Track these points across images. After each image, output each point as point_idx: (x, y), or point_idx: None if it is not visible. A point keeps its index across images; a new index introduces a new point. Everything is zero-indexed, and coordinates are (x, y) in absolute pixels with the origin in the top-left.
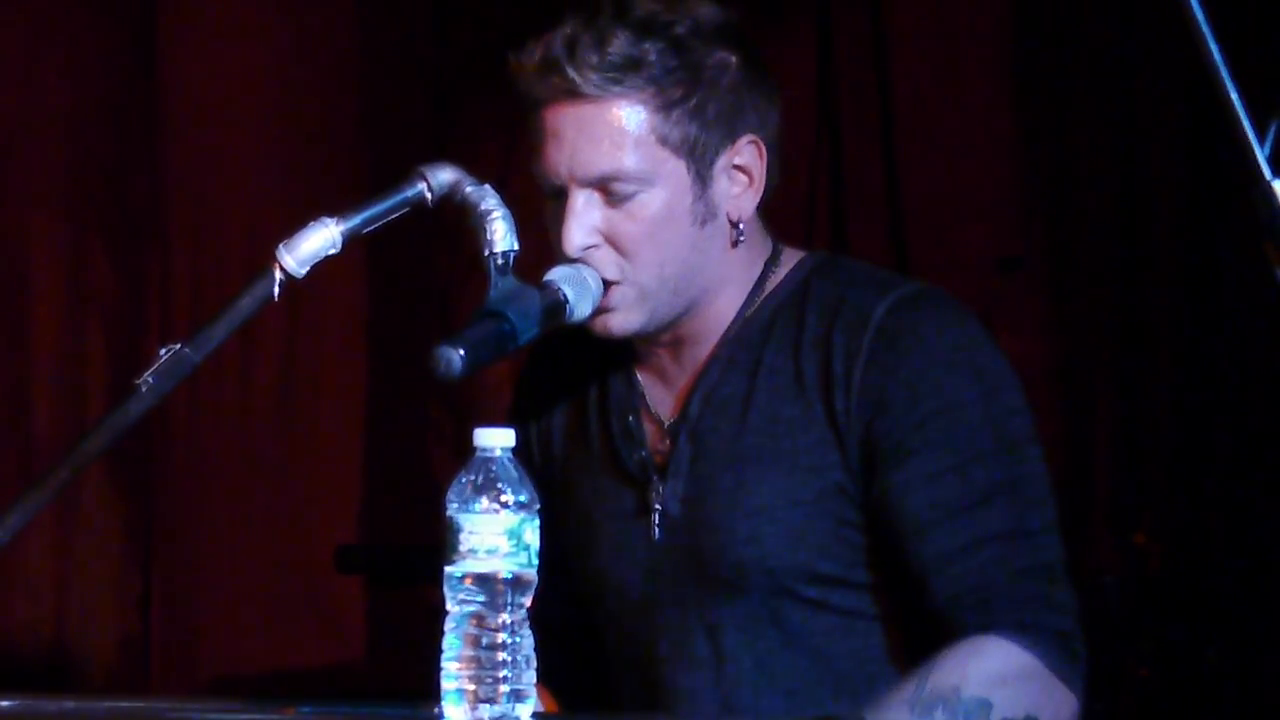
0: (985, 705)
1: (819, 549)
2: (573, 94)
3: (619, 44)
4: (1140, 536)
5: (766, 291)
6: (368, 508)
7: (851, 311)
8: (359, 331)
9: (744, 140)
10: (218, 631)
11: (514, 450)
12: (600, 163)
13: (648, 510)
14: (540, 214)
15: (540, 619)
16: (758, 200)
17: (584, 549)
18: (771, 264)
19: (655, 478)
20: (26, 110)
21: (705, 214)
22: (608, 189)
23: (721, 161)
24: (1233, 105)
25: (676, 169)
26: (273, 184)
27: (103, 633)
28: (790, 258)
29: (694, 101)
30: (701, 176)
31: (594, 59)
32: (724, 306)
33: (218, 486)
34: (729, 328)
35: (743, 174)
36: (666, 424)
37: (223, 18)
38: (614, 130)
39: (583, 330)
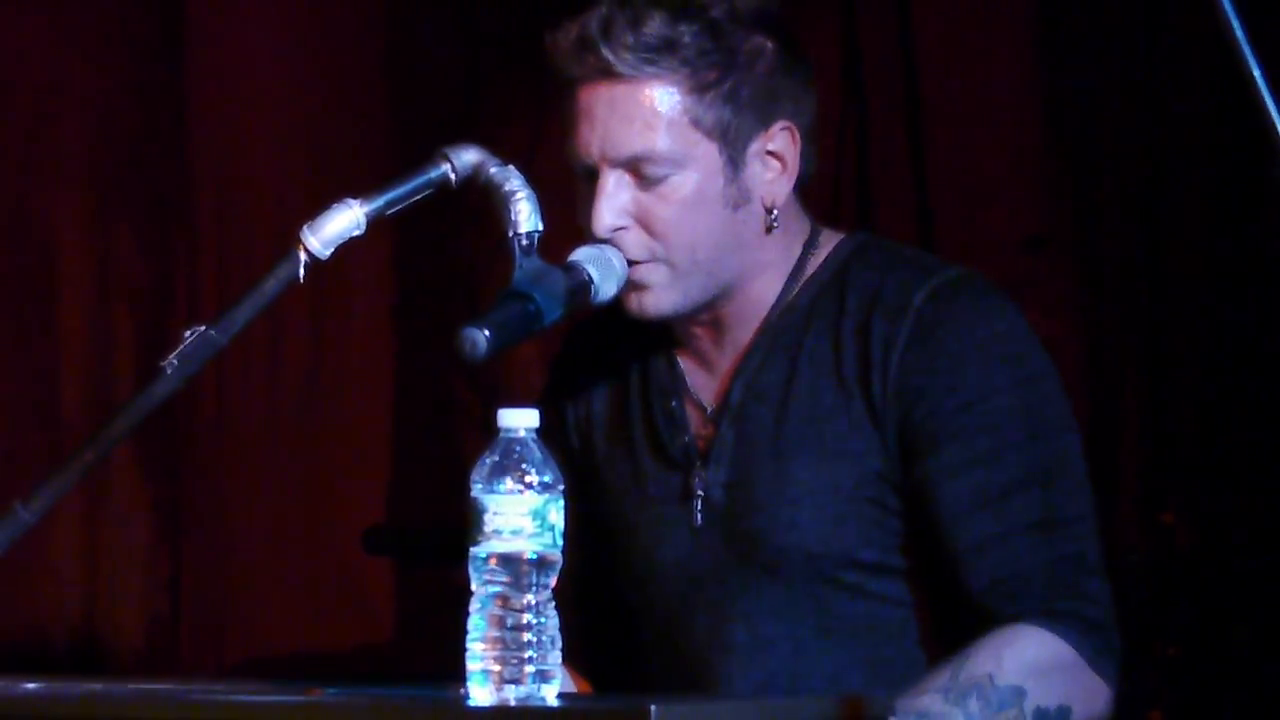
0: (1019, 693)
1: (858, 535)
2: (607, 73)
3: (654, 25)
4: (1168, 515)
5: (806, 275)
6: (396, 489)
7: (891, 297)
8: (387, 313)
9: (778, 126)
10: (246, 613)
11: (547, 431)
12: (632, 143)
13: (690, 495)
14: (565, 196)
15: (575, 602)
16: (791, 186)
17: (625, 531)
18: (810, 246)
19: (698, 463)
20: (53, 93)
21: (738, 198)
22: (639, 170)
23: (755, 146)
24: (1257, 83)
25: (709, 152)
26: (300, 167)
27: (131, 615)
28: (829, 240)
29: (728, 85)
30: (734, 161)
31: (629, 39)
32: (763, 290)
33: (246, 468)
34: (770, 312)
35: (776, 160)
36: (709, 410)
37: (250, 7)
38: (647, 110)
39: (621, 314)
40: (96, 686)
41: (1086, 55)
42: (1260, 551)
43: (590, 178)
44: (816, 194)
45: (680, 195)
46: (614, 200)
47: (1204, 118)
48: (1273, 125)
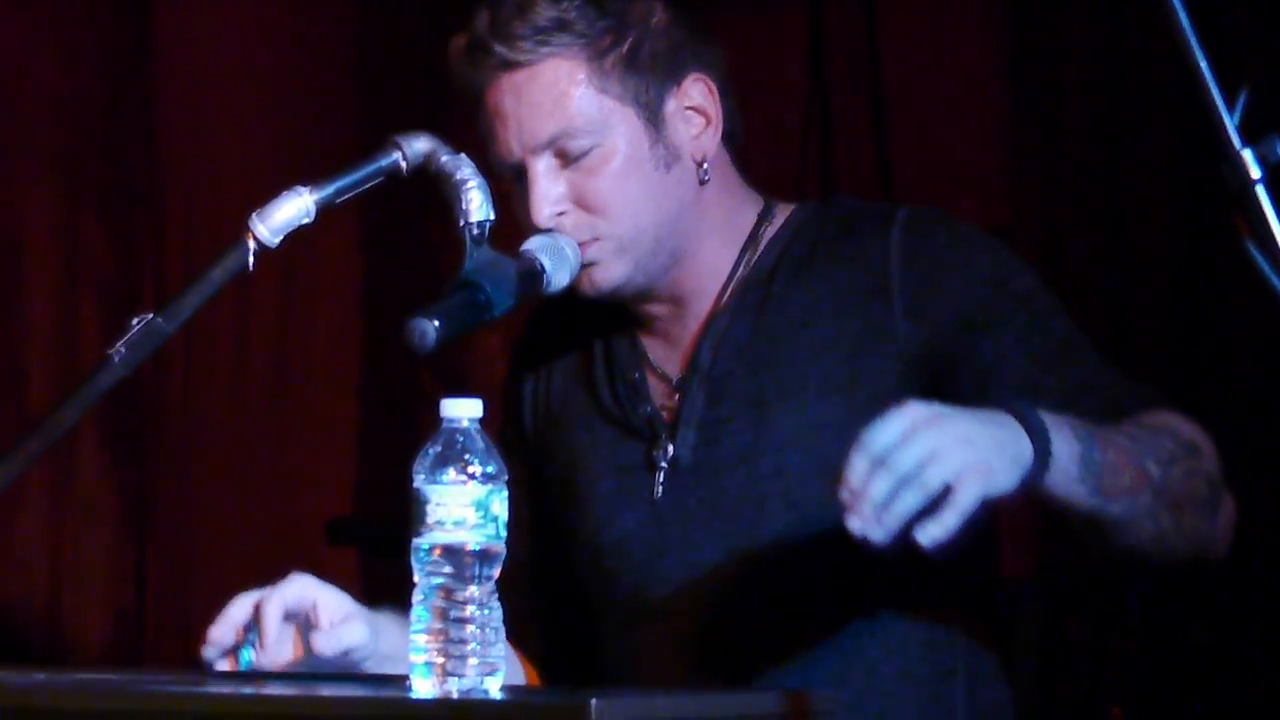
0: (1195, 451)
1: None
2: (506, 65)
3: (540, 8)
4: None
5: (765, 240)
6: (361, 480)
7: (869, 227)
8: (353, 303)
9: (689, 80)
10: (211, 603)
11: (507, 420)
12: (546, 124)
13: (653, 467)
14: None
15: (531, 586)
16: (717, 138)
17: (583, 506)
18: (765, 217)
19: (663, 435)
20: (21, 83)
21: (668, 157)
22: (563, 151)
23: (671, 105)
24: (1203, 74)
25: (625, 117)
26: (267, 158)
27: (97, 605)
28: (784, 210)
29: (626, 47)
30: (653, 121)
31: (519, 28)
32: (717, 259)
33: (212, 459)
34: (728, 281)
35: (697, 114)
36: (675, 380)
37: None
38: (553, 90)
39: (580, 300)
40: (64, 678)
41: (1052, 47)
42: None
43: (519, 176)
44: (781, 186)
45: (609, 166)
46: (547, 188)
47: (1171, 109)
48: (1217, 114)
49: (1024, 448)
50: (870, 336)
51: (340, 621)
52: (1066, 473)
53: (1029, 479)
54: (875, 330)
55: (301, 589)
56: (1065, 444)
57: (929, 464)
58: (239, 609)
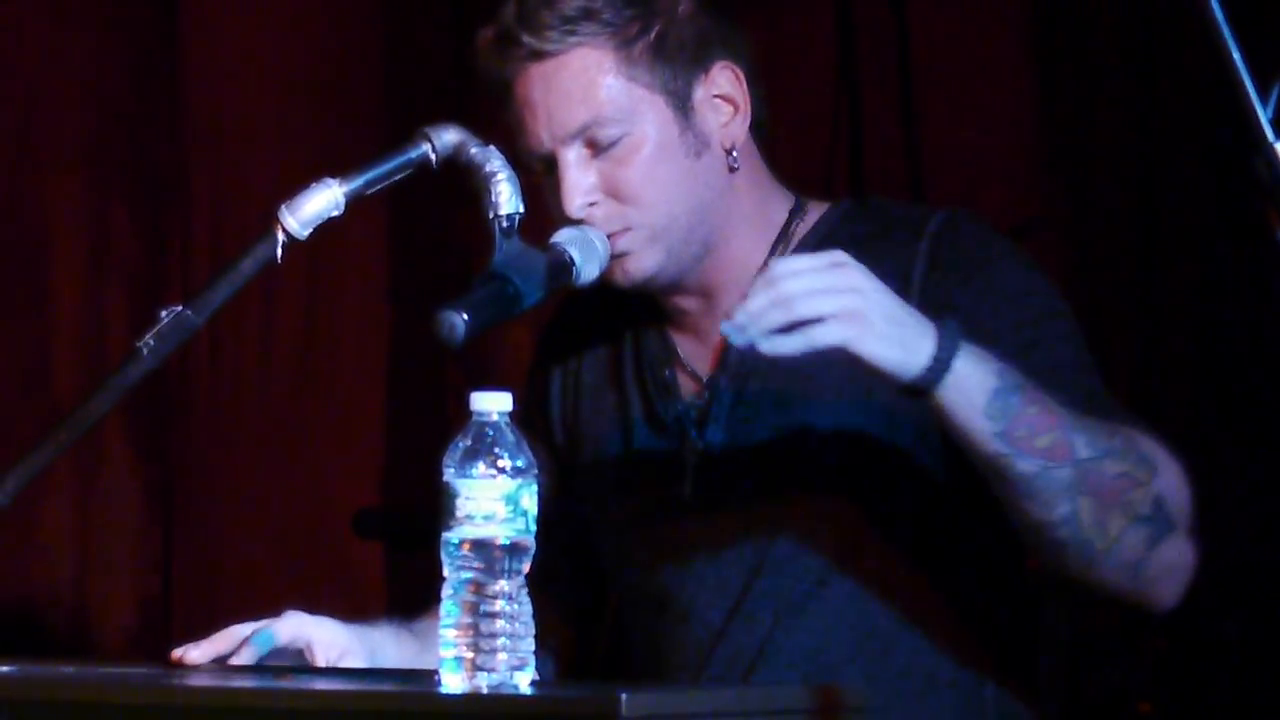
0: (1150, 466)
1: (876, 446)
2: (534, 55)
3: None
4: None
5: (797, 238)
6: (388, 471)
7: (900, 232)
8: (380, 294)
9: (717, 68)
10: (237, 595)
11: (530, 400)
12: (576, 113)
13: (683, 465)
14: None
15: (565, 578)
16: (746, 126)
17: (612, 501)
18: (796, 213)
19: (693, 432)
20: (48, 72)
21: (697, 145)
22: (593, 140)
23: (700, 93)
24: (1235, 66)
25: (654, 105)
26: (294, 148)
27: (123, 596)
28: (818, 207)
29: (652, 35)
30: (682, 109)
31: (547, 17)
32: (748, 252)
33: (238, 450)
34: (759, 274)
35: (725, 102)
36: (705, 378)
37: None
38: (582, 78)
39: (612, 292)
40: (91, 670)
41: (1081, 37)
42: (1251, 543)
43: (549, 168)
44: (810, 177)
45: (640, 155)
46: (578, 179)
47: (1201, 101)
48: (1250, 107)
49: (923, 343)
50: None
51: (337, 659)
52: (969, 399)
53: (921, 380)
54: None
55: (296, 628)
56: (975, 370)
57: (810, 296)
58: (225, 639)
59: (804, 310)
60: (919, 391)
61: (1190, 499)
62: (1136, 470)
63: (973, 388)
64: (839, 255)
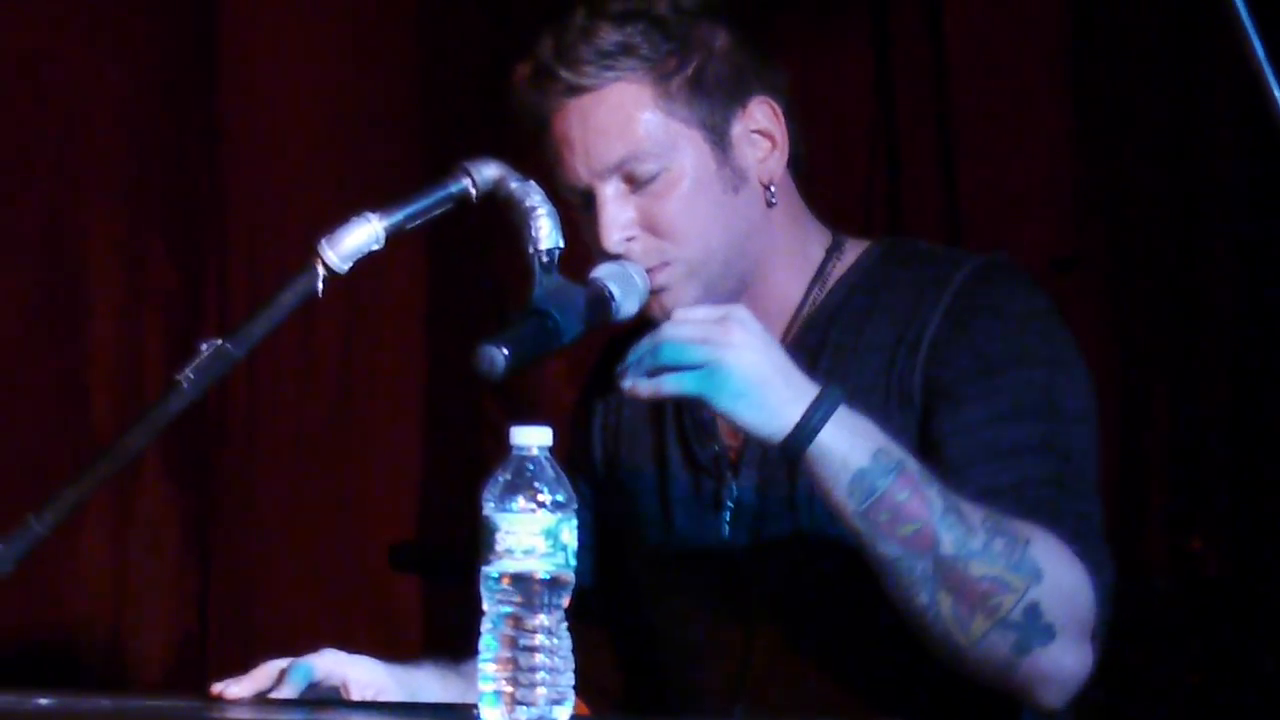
0: (1037, 574)
1: None
2: (572, 91)
3: (605, 32)
4: (1197, 541)
5: (833, 279)
6: (425, 505)
7: (929, 282)
8: (417, 327)
9: (754, 102)
10: (274, 629)
11: (575, 443)
12: (614, 148)
13: (720, 506)
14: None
15: (598, 616)
16: (784, 162)
17: (652, 543)
18: (835, 251)
19: (729, 473)
20: (85, 104)
21: (735, 180)
22: (631, 175)
23: (738, 128)
24: (1274, 96)
25: (692, 140)
26: (332, 182)
27: (160, 630)
28: (855, 246)
29: (690, 71)
30: (720, 144)
31: (584, 53)
32: (785, 289)
33: (276, 483)
34: (795, 315)
35: (763, 137)
36: None
37: (283, 15)
38: (620, 114)
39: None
40: (129, 702)
41: (1118, 74)
42: None
43: (587, 203)
44: (848, 211)
45: (677, 189)
46: (616, 212)
47: (1237, 136)
48: None
49: (789, 409)
50: (902, 391)
51: (373, 698)
52: (832, 473)
53: (781, 446)
54: (905, 386)
55: (332, 665)
56: (844, 445)
57: (679, 345)
58: (263, 675)
59: (668, 357)
60: (785, 454)
61: (1092, 605)
62: (1009, 575)
63: (835, 462)
64: (735, 310)
